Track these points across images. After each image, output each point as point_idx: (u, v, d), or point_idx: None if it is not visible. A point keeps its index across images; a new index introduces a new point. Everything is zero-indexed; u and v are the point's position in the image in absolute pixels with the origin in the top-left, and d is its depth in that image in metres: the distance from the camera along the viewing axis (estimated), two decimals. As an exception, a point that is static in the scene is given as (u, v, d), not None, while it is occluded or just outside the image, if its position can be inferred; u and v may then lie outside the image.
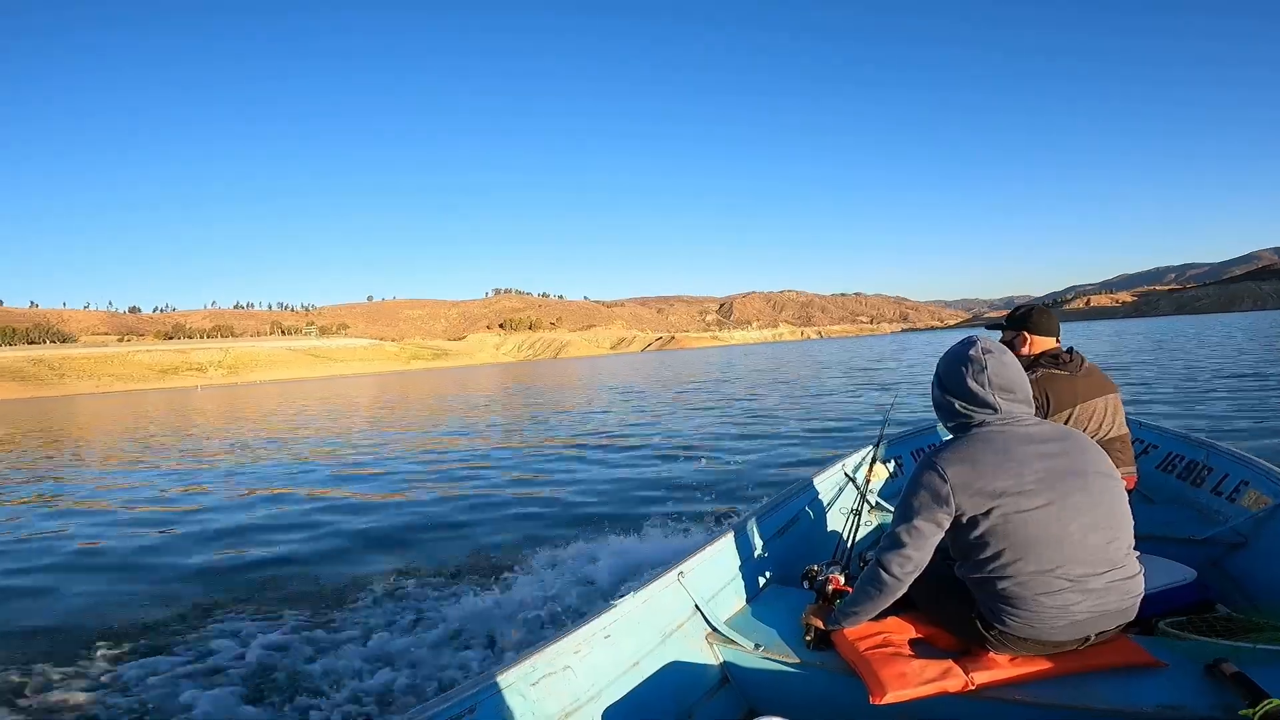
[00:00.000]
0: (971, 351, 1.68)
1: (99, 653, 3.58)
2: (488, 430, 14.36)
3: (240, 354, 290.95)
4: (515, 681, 1.53)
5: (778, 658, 1.86)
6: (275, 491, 8.59)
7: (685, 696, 1.85)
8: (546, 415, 17.42)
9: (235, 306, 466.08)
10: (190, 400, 53.36)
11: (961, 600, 1.68)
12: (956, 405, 1.68)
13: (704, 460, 8.47)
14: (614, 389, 26.60)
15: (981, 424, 1.65)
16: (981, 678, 1.56)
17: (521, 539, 5.30)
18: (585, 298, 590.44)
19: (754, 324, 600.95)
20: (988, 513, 1.54)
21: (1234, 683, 1.41)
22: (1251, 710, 1.31)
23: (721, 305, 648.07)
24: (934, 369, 1.79)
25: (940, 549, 1.65)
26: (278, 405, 33.23)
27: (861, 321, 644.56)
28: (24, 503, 9.23)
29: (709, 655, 1.98)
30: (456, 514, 6.55)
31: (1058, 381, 2.40)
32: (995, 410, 1.64)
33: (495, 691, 1.49)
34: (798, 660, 1.84)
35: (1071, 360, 2.48)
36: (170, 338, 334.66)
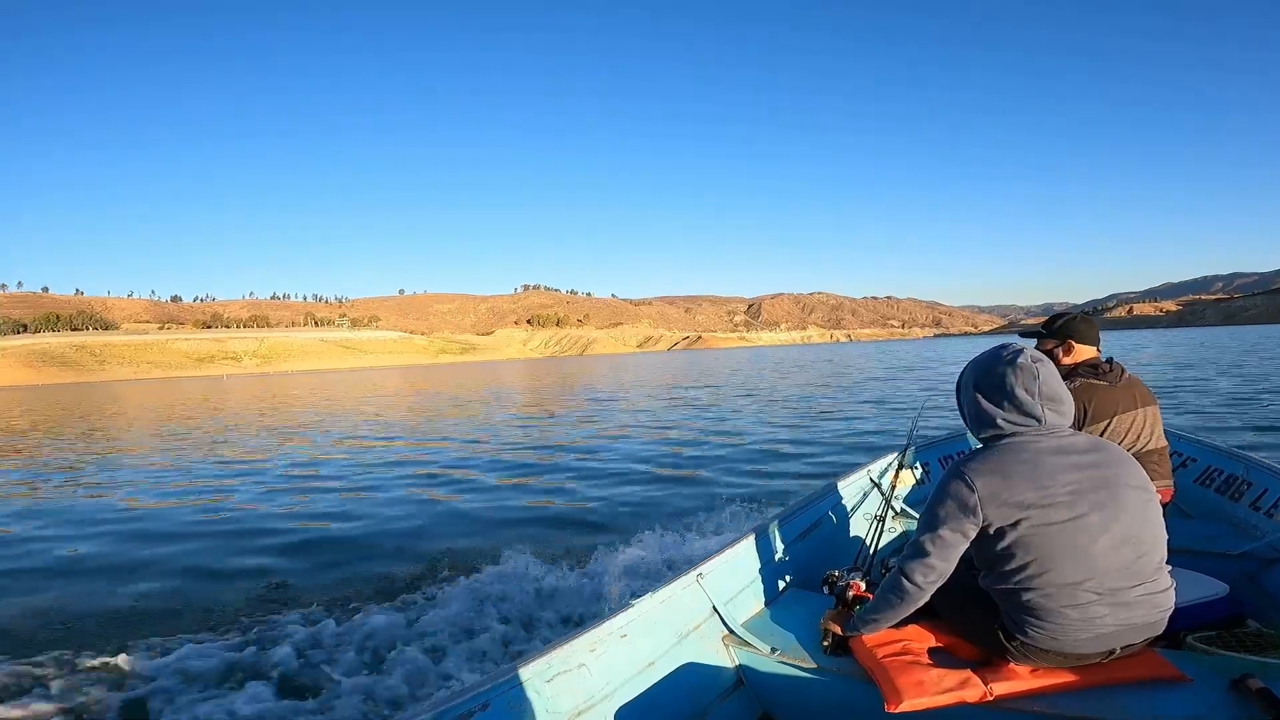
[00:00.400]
0: (1021, 360, 1.62)
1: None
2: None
3: (274, 344, 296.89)
4: (531, 678, 1.54)
5: (794, 662, 1.86)
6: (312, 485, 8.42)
7: (700, 698, 1.85)
8: (577, 409, 17.53)
9: (272, 298, 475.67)
10: (218, 390, 53.80)
11: (984, 610, 1.65)
12: (999, 418, 1.62)
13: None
14: (641, 387, 26.36)
15: (1015, 434, 1.61)
16: (1001, 688, 1.54)
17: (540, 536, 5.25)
18: (613, 295, 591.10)
19: (782, 325, 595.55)
20: (1016, 524, 1.52)
21: (1259, 698, 1.39)
22: None
23: (750, 306, 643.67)
24: (963, 374, 1.74)
25: (964, 558, 1.63)
26: (307, 397, 32.35)
27: (892, 325, 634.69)
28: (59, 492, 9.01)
29: (725, 657, 1.98)
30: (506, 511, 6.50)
31: (1097, 392, 2.37)
32: (1040, 422, 1.59)
33: (510, 687, 1.49)
34: (814, 665, 1.83)
35: (1111, 370, 2.44)
36: (208, 326, 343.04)
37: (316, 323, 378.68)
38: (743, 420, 12.76)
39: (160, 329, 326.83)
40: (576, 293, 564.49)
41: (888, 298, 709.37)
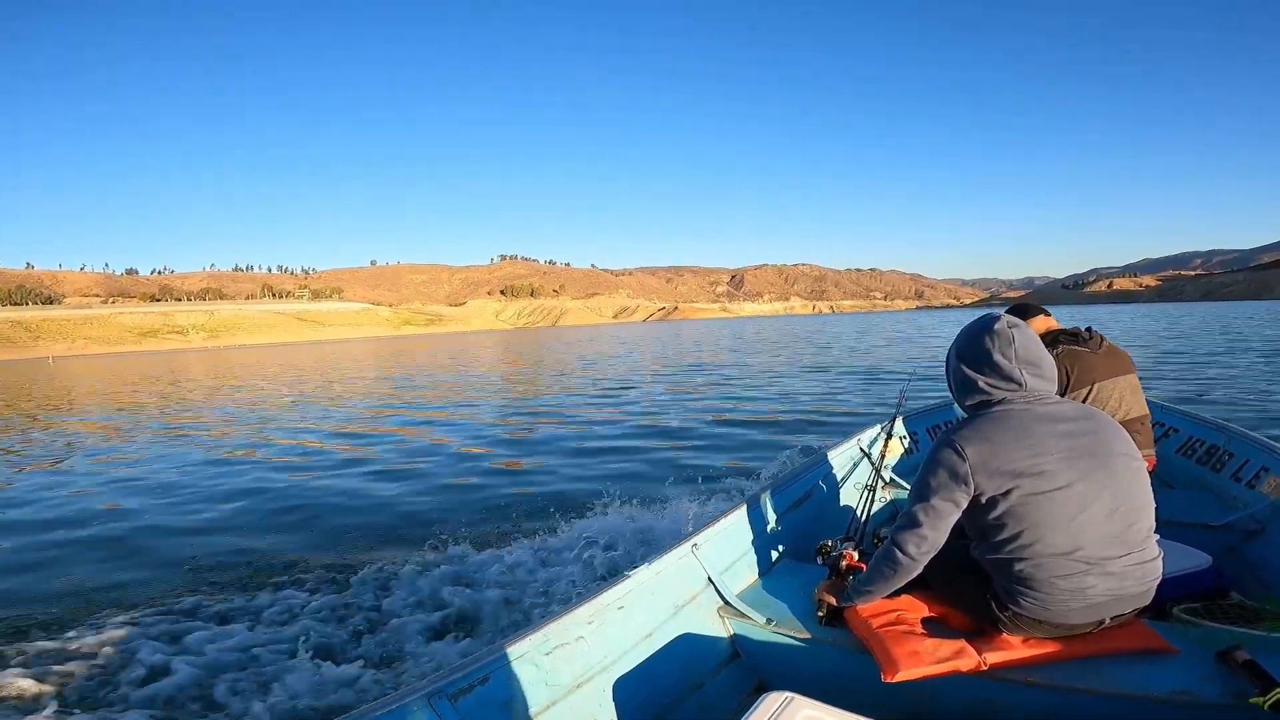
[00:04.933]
0: (997, 325, 1.64)
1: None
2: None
3: (224, 317, 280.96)
4: (529, 651, 1.54)
5: (789, 633, 1.86)
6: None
7: (696, 669, 1.86)
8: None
9: (234, 269, 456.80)
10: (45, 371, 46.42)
11: (976, 580, 1.65)
12: (980, 382, 1.63)
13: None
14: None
15: (1002, 401, 1.61)
16: (994, 658, 1.56)
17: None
18: (593, 266, 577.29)
19: (765, 296, 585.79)
20: (1007, 493, 1.52)
21: (1246, 670, 1.40)
22: (1262, 699, 1.31)
23: (733, 277, 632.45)
24: (950, 346, 1.74)
25: (955, 528, 1.62)
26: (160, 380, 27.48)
27: (875, 297, 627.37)
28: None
29: (720, 628, 1.98)
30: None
31: (1079, 358, 2.37)
32: (1021, 386, 1.60)
33: (508, 661, 1.50)
34: (809, 636, 1.83)
35: (1091, 338, 2.46)
36: (157, 299, 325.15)
37: (275, 295, 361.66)
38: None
39: (106, 303, 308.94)
40: (555, 263, 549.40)
41: (871, 270, 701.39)
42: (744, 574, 2.20)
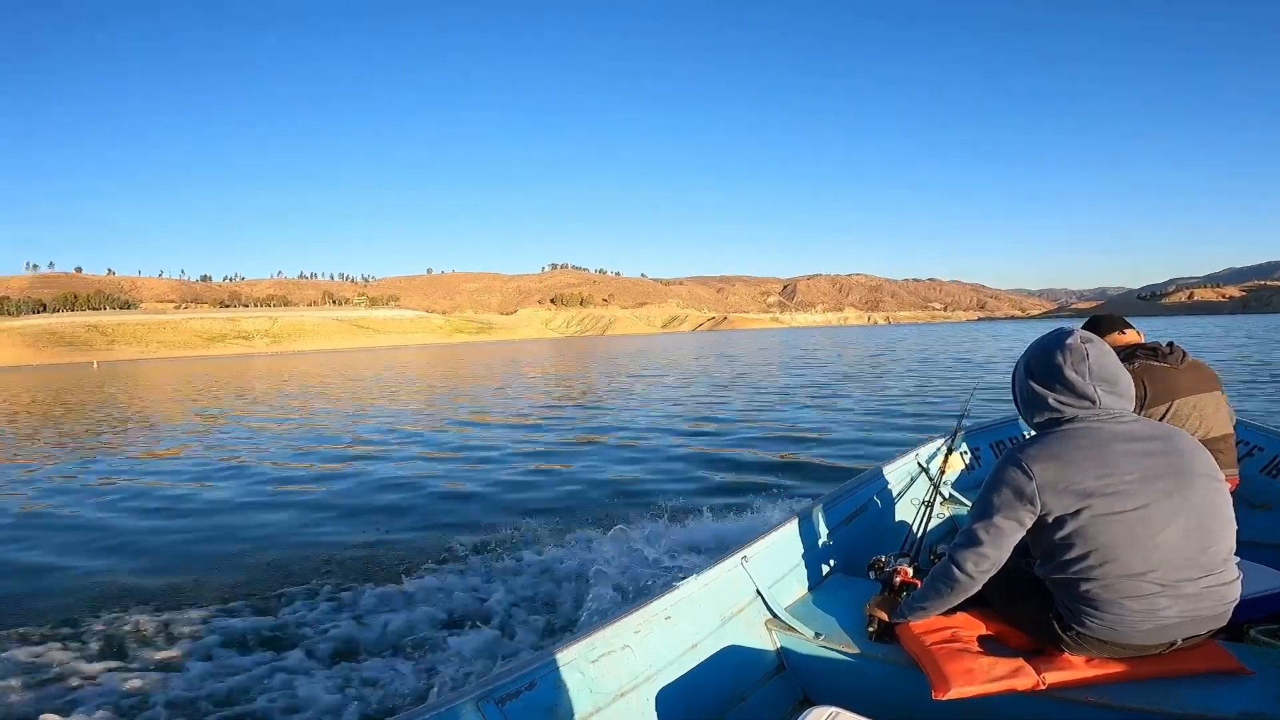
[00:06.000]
0: (1069, 340, 1.57)
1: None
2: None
3: (286, 323, 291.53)
4: (575, 659, 1.56)
5: (837, 647, 1.85)
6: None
7: (741, 680, 1.86)
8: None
9: (299, 277, 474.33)
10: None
11: (1038, 599, 1.61)
12: (1050, 399, 1.57)
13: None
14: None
15: (1074, 419, 1.55)
16: (1054, 678, 1.52)
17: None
18: (643, 275, 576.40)
19: (818, 307, 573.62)
20: (1077, 513, 1.48)
21: None
22: None
23: (785, 287, 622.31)
24: (1018, 360, 1.69)
25: (1018, 546, 1.58)
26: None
27: (934, 308, 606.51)
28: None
29: (767, 641, 1.98)
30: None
31: (1156, 373, 2.30)
32: (1094, 403, 1.54)
33: (555, 667, 1.52)
34: (857, 651, 1.82)
35: (1172, 353, 2.37)
36: (226, 306, 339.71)
37: (335, 302, 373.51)
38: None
39: (178, 308, 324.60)
40: (605, 272, 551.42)
41: (930, 280, 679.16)
42: (793, 587, 2.20)
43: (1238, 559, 1.56)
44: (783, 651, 1.96)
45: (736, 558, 2.06)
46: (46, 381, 44.03)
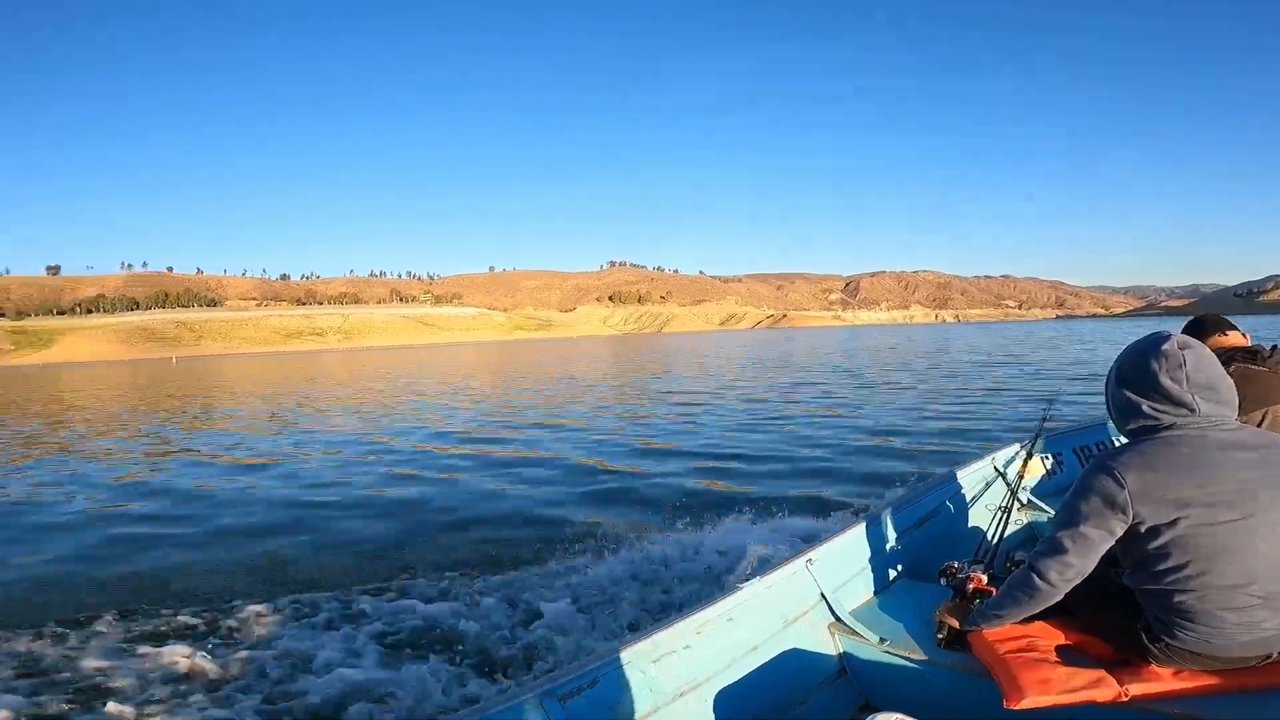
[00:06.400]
0: (1165, 345, 1.51)
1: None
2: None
3: (357, 320, 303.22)
4: (636, 658, 1.56)
5: (902, 653, 1.82)
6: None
7: (801, 684, 1.84)
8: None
9: (370, 275, 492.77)
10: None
11: (1125, 609, 1.57)
12: (1144, 406, 1.51)
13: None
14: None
15: (1171, 427, 1.50)
16: (1138, 689, 1.47)
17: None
18: (700, 272, 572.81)
19: (882, 304, 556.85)
20: (1173, 523, 1.43)
21: None
22: None
23: (848, 284, 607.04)
24: (1111, 366, 1.63)
25: (1106, 555, 1.54)
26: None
27: (1007, 306, 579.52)
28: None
29: (829, 645, 1.96)
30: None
31: (1253, 378, 2.23)
32: (1192, 412, 1.48)
33: (618, 666, 1.52)
34: (924, 657, 1.78)
35: (1272, 356, 2.31)
36: (302, 303, 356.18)
37: (402, 299, 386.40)
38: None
39: (258, 306, 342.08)
40: (663, 269, 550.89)
41: (1003, 276, 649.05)
42: (858, 592, 2.17)
43: None
44: (845, 656, 1.93)
45: (801, 560, 2.04)
46: (137, 376, 46.94)
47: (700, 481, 7.05)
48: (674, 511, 5.32)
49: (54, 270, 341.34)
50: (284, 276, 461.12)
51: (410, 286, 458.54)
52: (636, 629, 2.82)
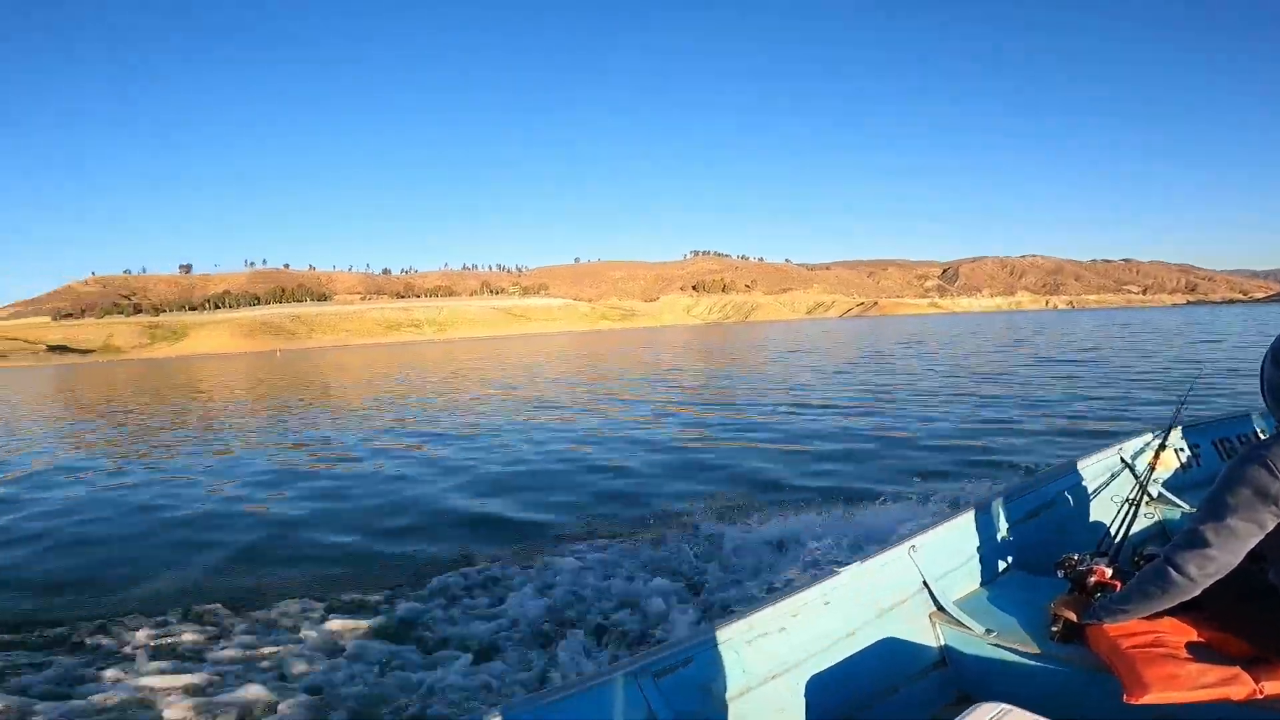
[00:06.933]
0: None
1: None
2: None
3: (450, 312, 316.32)
4: (732, 638, 1.57)
5: (1010, 644, 1.76)
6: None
7: (897, 672, 1.79)
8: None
9: (463, 268, 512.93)
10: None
11: (1270, 607, 1.50)
12: None
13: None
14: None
15: None
16: (1275, 688, 1.41)
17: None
18: (786, 260, 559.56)
19: (985, 291, 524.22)
20: None
21: None
22: None
23: (946, 270, 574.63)
24: (1267, 350, 1.54)
25: (1252, 551, 1.46)
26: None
27: (1130, 291, 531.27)
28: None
29: (929, 634, 1.91)
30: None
31: None
32: None
33: (713, 645, 1.53)
34: (1035, 650, 1.73)
35: None
36: (401, 296, 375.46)
37: (492, 291, 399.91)
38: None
39: (362, 300, 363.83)
40: (747, 258, 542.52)
41: (1124, 260, 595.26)
42: (963, 581, 2.11)
43: None
44: (945, 646, 1.89)
45: (904, 547, 1.98)
46: (258, 368, 51.75)
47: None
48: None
49: (186, 269, 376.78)
50: (385, 271, 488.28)
51: (500, 278, 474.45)
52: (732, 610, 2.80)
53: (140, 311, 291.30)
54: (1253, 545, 1.45)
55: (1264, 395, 1.56)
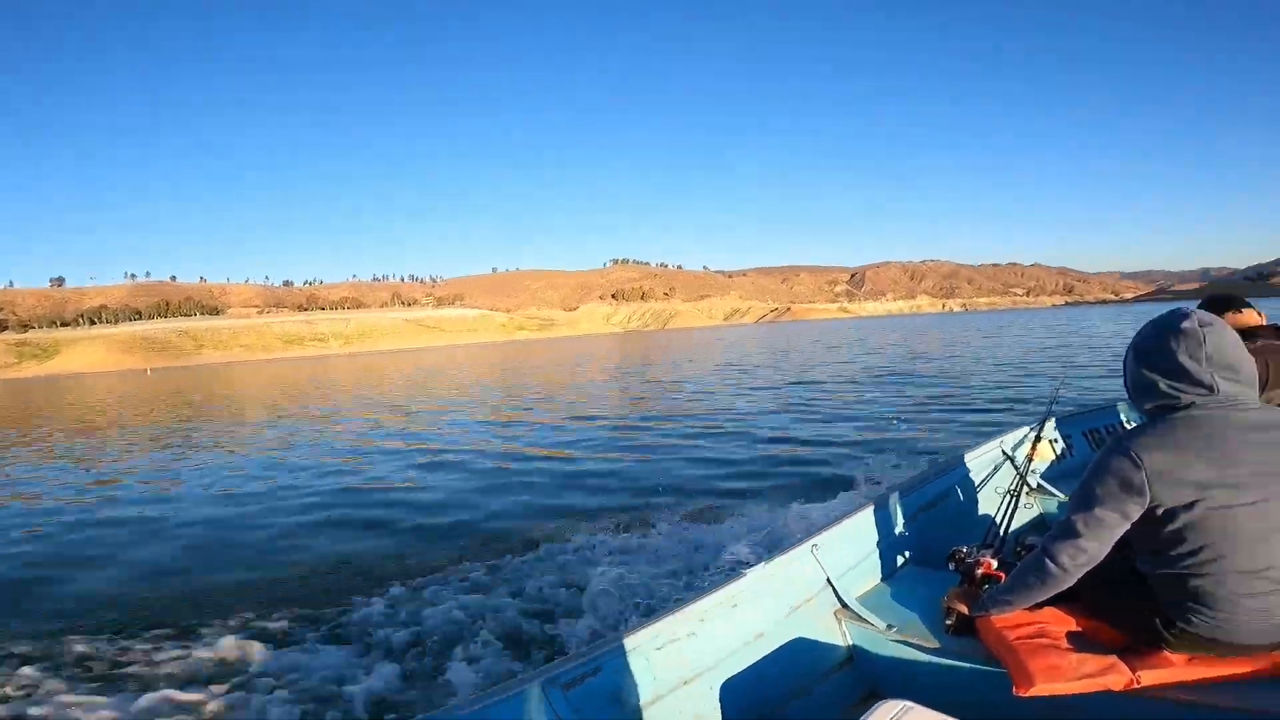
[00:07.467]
0: (1185, 324, 1.46)
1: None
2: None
3: (359, 325, 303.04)
4: (640, 645, 1.55)
5: (910, 640, 1.80)
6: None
7: (807, 672, 1.82)
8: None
9: (373, 279, 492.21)
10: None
11: (1139, 595, 1.53)
12: (1162, 384, 1.47)
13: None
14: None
15: (1189, 406, 1.45)
16: (1150, 677, 1.45)
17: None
18: (705, 268, 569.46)
19: (889, 295, 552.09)
20: (1190, 505, 1.40)
21: None
22: None
23: (853, 275, 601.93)
24: (1130, 344, 1.59)
25: (1120, 540, 1.50)
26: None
27: (1015, 293, 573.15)
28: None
29: (836, 632, 1.94)
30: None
31: (1278, 355, 2.22)
32: (1212, 391, 1.44)
33: (621, 654, 1.51)
34: (933, 644, 1.77)
35: None
36: (304, 309, 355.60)
37: (404, 303, 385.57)
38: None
39: (260, 313, 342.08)
40: (666, 265, 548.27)
41: (1010, 264, 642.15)
42: (865, 578, 2.14)
43: None
44: (852, 644, 1.92)
45: (806, 546, 2.01)
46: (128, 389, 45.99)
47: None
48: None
49: (58, 282, 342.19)
50: (287, 283, 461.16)
51: (413, 290, 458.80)
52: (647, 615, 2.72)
53: (6, 329, 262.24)
54: (1119, 534, 1.49)
55: (1127, 389, 1.60)
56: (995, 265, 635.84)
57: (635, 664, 1.52)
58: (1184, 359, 1.44)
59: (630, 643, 1.54)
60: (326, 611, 3.89)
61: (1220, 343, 1.45)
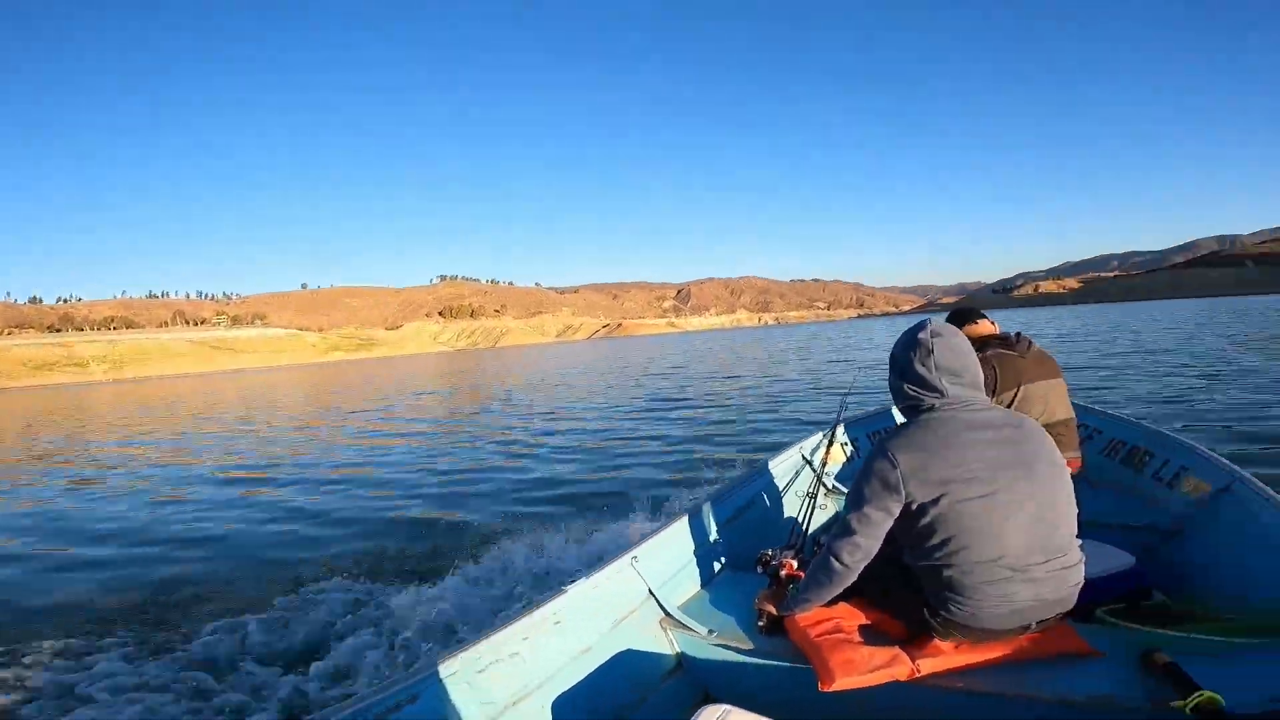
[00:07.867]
0: (920, 335, 1.67)
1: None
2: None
3: (128, 347, 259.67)
4: (460, 669, 1.50)
5: (731, 643, 1.85)
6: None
7: (639, 681, 1.84)
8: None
9: (148, 296, 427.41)
10: None
11: (910, 587, 1.66)
12: (905, 388, 1.67)
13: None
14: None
15: (930, 408, 1.63)
16: (927, 665, 1.57)
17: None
18: (537, 284, 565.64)
19: (711, 310, 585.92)
20: (936, 500, 1.54)
21: (1166, 673, 1.41)
22: (1182, 703, 1.30)
23: (679, 291, 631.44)
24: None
25: (889, 536, 1.63)
26: None
27: (819, 307, 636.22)
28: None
29: (663, 641, 1.96)
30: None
31: (1006, 361, 2.46)
32: (942, 394, 1.62)
33: (438, 680, 1.45)
34: (751, 646, 1.82)
35: (1020, 342, 2.57)
36: (57, 330, 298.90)
37: (190, 323, 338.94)
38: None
39: (3, 335, 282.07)
40: (497, 282, 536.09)
41: (814, 280, 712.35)
42: (685, 586, 2.18)
43: (1080, 541, 1.63)
44: (679, 651, 1.95)
45: (626, 558, 2.03)
46: None
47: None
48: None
49: None
50: (35, 300, 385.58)
51: (200, 308, 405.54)
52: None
53: None
54: (887, 529, 1.61)
55: (891, 393, 1.75)
56: (802, 281, 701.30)
57: (456, 688, 1.46)
58: (918, 366, 1.63)
59: (449, 667, 1.48)
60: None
61: (946, 350, 1.64)
